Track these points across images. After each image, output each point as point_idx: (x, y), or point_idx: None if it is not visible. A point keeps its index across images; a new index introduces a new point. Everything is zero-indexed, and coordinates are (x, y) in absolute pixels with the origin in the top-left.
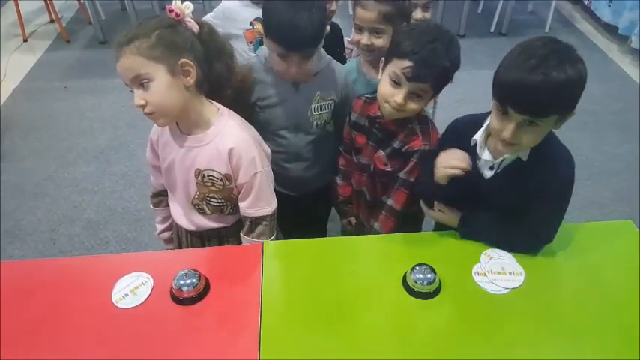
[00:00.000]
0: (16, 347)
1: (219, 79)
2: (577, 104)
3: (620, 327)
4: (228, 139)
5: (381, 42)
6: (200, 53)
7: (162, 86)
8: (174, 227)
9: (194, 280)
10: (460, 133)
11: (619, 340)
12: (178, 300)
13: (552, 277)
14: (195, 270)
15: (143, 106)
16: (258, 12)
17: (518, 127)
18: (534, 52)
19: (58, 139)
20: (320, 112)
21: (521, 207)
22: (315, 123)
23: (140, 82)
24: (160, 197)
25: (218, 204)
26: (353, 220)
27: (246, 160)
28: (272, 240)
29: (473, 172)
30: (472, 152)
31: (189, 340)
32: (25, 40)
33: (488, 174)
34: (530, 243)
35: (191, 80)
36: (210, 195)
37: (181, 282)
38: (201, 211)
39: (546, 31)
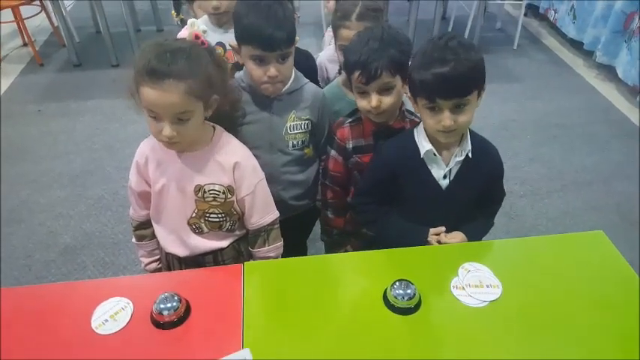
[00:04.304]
0: None
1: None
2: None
3: (598, 336)
4: (230, 153)
5: None
6: None
7: (197, 121)
8: (163, 259)
9: (174, 304)
10: (399, 156)
11: (598, 349)
12: (159, 324)
13: (529, 288)
14: (176, 293)
15: (171, 137)
16: (221, 36)
17: (452, 112)
18: (436, 46)
19: (32, 164)
20: (296, 131)
21: (477, 197)
22: (291, 142)
23: (179, 117)
24: (143, 230)
25: (217, 219)
26: (349, 248)
27: (249, 170)
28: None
29: (432, 187)
30: (421, 167)
31: None
32: None
33: (444, 184)
34: (499, 206)
35: (211, 112)
36: (210, 210)
37: (162, 306)
38: (198, 230)
39: (514, 47)
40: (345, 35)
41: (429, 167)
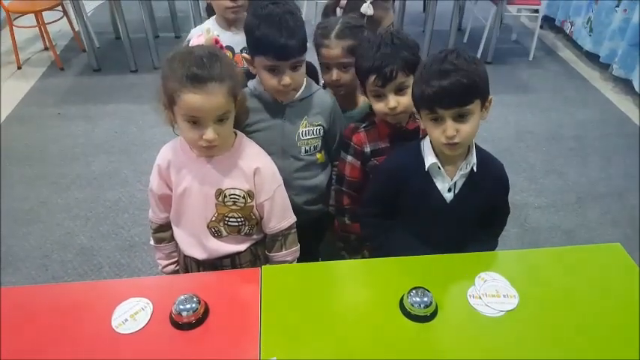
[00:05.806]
0: None
1: None
2: (488, 89)
3: (615, 348)
4: (251, 159)
5: (348, 76)
6: None
7: (232, 121)
8: (181, 262)
9: (194, 305)
10: (403, 168)
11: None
12: (178, 325)
13: (546, 299)
14: (195, 295)
15: (212, 140)
16: (230, 39)
17: (454, 121)
18: (436, 60)
19: (52, 165)
20: (308, 137)
21: (481, 211)
22: (303, 148)
23: (220, 118)
24: (162, 233)
25: (237, 223)
26: (366, 253)
27: (269, 175)
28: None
29: (437, 200)
30: (425, 180)
31: None
32: (19, 68)
33: (448, 197)
34: (505, 222)
35: (236, 111)
36: (230, 214)
37: (181, 307)
38: (218, 234)
39: (530, 59)
40: (324, 53)
41: (434, 180)
